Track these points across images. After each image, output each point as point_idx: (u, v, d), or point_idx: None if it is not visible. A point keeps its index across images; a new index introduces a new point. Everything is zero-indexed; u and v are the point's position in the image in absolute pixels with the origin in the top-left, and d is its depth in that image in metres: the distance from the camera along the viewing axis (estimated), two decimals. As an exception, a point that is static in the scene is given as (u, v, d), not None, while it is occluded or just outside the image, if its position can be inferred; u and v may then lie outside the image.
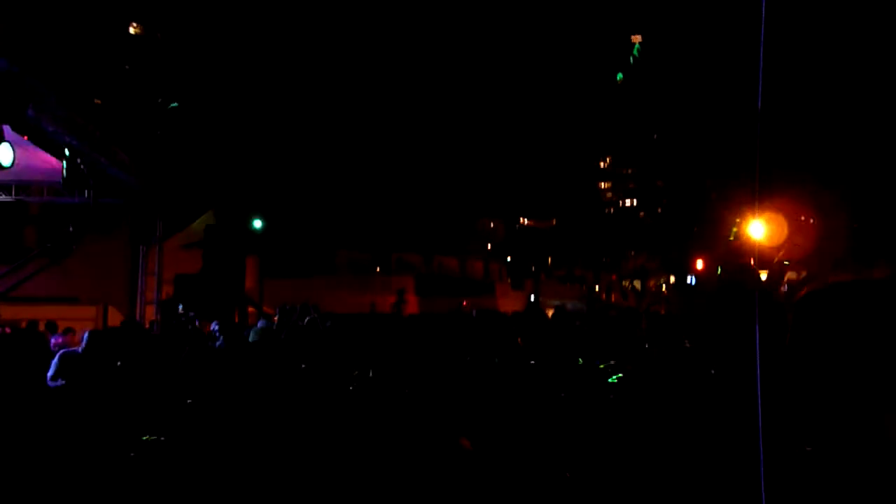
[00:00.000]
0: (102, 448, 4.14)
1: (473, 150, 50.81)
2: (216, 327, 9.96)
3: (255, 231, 19.53)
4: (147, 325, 13.60)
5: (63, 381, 6.03)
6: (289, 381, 6.20)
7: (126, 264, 15.34)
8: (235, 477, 4.38)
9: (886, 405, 1.83)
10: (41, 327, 10.59)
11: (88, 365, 4.39)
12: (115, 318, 14.87)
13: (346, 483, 4.14)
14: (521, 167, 53.71)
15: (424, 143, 48.04)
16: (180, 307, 12.95)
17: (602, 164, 64.18)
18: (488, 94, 53.39)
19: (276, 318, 11.68)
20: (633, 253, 56.66)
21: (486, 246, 50.89)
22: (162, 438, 4.51)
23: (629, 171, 61.29)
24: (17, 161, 8.51)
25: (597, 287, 50.68)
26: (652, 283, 52.63)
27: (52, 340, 9.47)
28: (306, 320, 10.23)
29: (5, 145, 8.16)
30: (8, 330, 10.53)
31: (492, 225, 54.50)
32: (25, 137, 9.19)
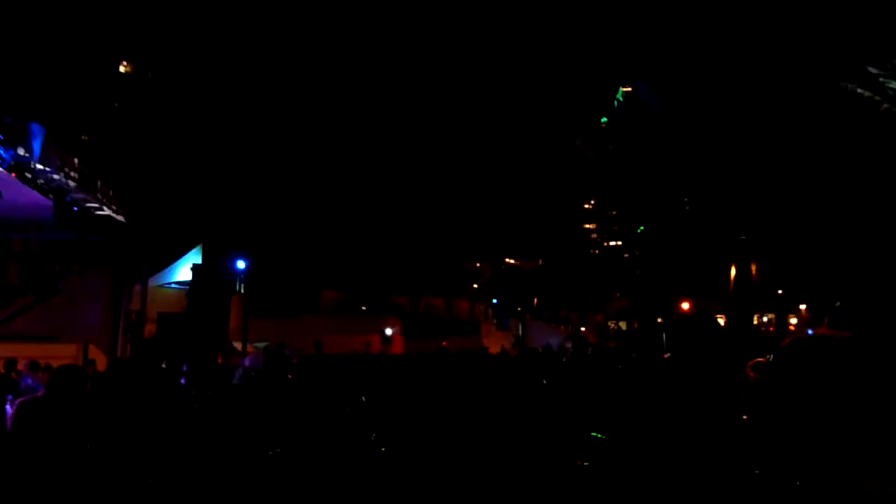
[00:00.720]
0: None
1: (460, 191, 51.27)
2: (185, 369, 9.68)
3: (239, 271, 19.40)
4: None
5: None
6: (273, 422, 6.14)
7: (108, 302, 15.16)
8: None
9: (860, 465, 1.85)
10: (20, 366, 10.40)
11: (49, 411, 4.14)
12: (95, 355, 14.62)
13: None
14: (507, 208, 54.20)
15: (411, 184, 48.42)
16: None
17: (586, 206, 64.75)
18: (475, 134, 54.15)
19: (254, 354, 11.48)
20: (618, 294, 56.89)
21: (472, 286, 50.89)
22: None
23: (614, 212, 61.82)
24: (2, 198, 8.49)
25: (582, 328, 50.63)
26: (636, 324, 52.68)
27: (22, 383, 9.23)
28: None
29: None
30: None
31: (478, 265, 54.60)
32: (13, 175, 9.17)
